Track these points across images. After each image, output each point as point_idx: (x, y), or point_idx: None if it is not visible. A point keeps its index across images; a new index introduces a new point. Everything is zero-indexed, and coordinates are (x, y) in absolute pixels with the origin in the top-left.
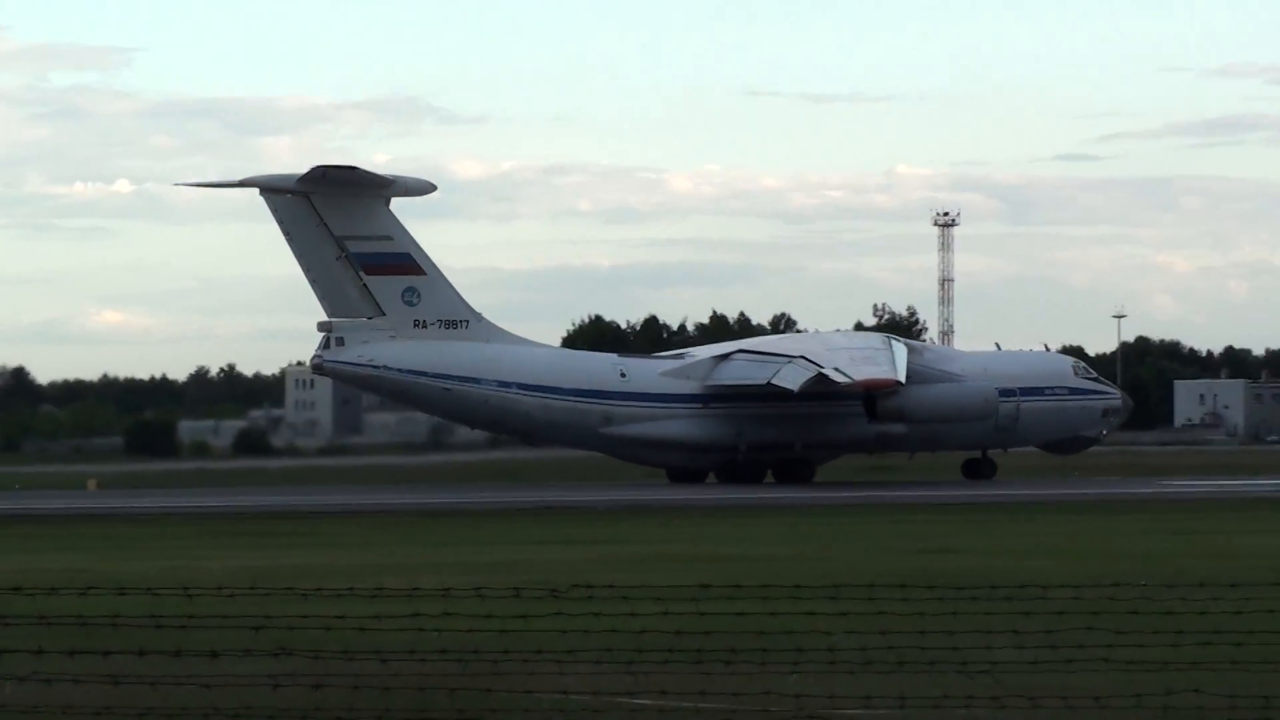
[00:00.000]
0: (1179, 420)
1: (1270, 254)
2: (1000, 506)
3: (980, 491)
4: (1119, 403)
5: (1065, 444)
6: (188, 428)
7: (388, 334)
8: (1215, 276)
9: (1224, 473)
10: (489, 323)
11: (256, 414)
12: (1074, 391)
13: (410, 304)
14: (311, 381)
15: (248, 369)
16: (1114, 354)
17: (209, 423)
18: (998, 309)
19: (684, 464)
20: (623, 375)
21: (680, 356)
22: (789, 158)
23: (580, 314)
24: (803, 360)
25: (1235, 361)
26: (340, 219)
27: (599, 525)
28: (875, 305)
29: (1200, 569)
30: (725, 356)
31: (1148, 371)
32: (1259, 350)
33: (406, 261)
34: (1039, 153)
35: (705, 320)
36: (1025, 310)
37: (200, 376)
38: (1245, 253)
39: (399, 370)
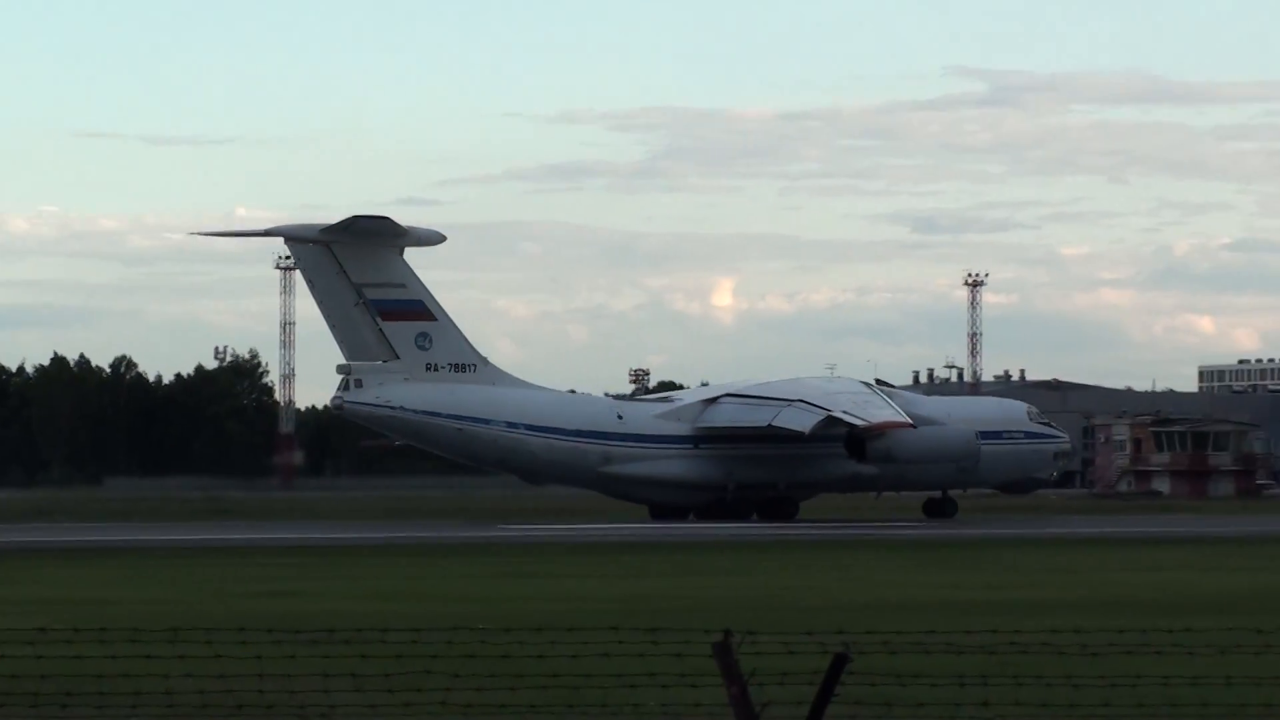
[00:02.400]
0: None
1: (609, 299)
2: (340, 549)
3: (330, 535)
4: (1069, 446)
5: (1019, 484)
6: None
7: (402, 376)
8: (555, 321)
9: (566, 517)
10: (494, 366)
11: None
12: (1029, 435)
13: (423, 348)
14: None
15: None
16: None
17: None
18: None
19: (675, 502)
20: (620, 417)
21: (666, 400)
22: (129, 200)
23: None
24: (802, 404)
25: None
26: (358, 267)
27: None
28: (217, 348)
29: (538, 613)
30: (713, 400)
31: None
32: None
33: (419, 308)
34: (378, 197)
35: (46, 363)
36: None
37: None
38: (584, 298)
39: (413, 411)
